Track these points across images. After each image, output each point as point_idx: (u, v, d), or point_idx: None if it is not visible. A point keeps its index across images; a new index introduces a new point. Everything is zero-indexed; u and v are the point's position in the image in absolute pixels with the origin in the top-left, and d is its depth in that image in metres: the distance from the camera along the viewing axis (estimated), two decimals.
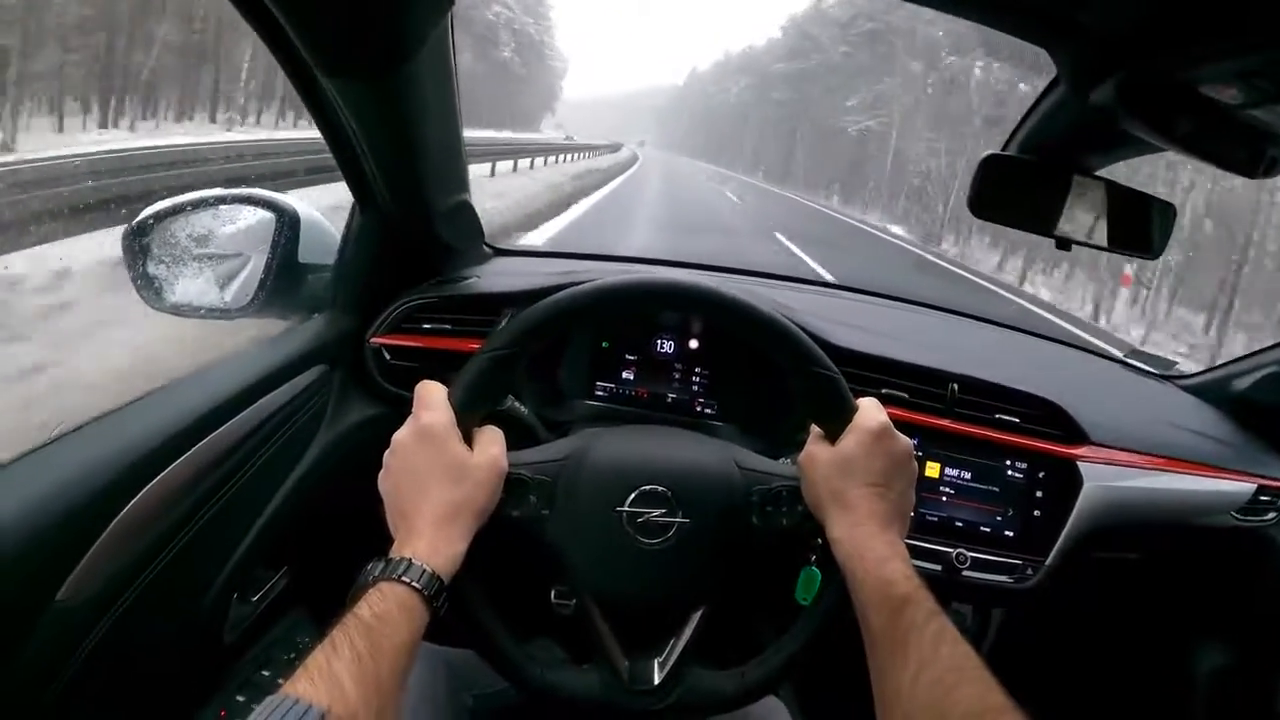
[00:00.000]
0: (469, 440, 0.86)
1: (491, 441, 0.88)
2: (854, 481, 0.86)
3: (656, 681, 0.90)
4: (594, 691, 0.91)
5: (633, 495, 0.91)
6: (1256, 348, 1.72)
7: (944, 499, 1.41)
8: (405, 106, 1.10)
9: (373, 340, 1.37)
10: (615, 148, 55.27)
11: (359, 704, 0.62)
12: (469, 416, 0.87)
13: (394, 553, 0.78)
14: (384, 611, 0.71)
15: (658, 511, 0.91)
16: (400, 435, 0.86)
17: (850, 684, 0.78)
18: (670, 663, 0.91)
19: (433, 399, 0.87)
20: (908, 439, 0.90)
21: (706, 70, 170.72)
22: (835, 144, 62.76)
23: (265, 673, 1.33)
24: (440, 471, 0.83)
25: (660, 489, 0.92)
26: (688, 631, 0.93)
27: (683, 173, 53.46)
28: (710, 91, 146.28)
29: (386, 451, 0.86)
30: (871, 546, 0.82)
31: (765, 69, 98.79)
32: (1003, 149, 1.19)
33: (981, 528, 1.40)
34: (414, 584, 0.75)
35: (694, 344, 1.46)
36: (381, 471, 0.86)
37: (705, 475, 0.95)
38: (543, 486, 0.92)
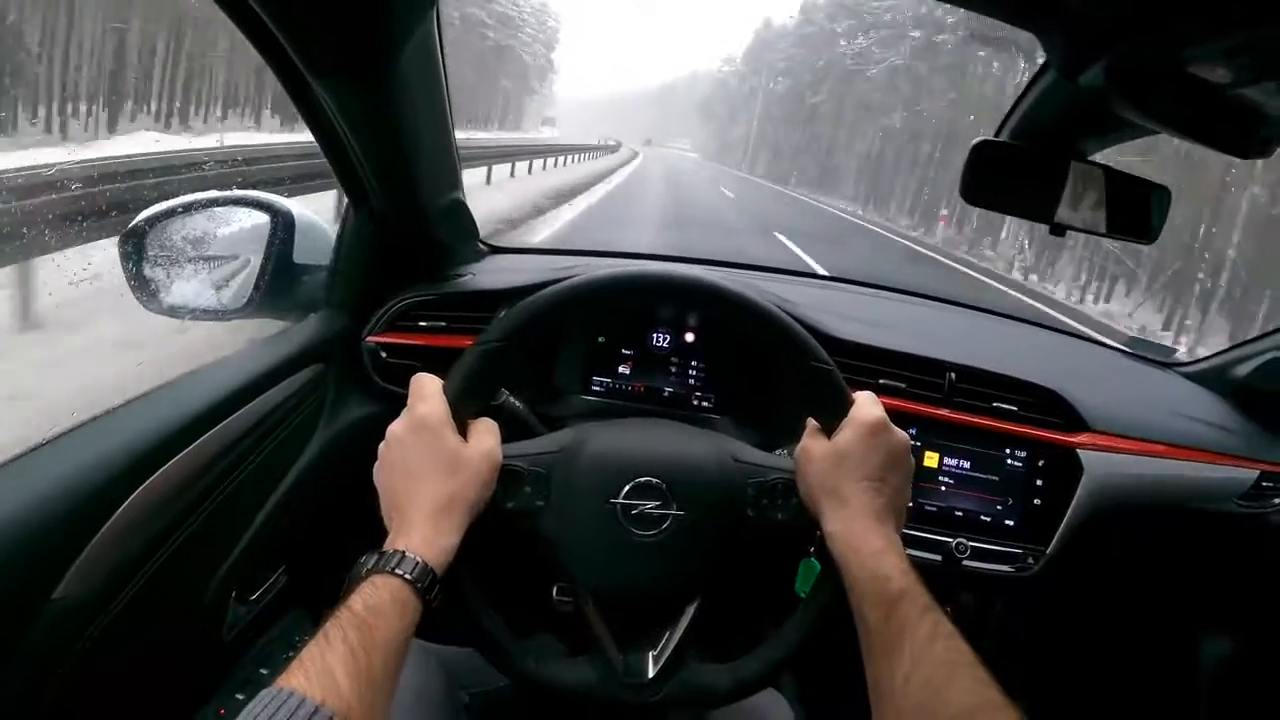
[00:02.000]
0: (464, 433, 0.86)
1: (486, 433, 0.88)
2: (849, 476, 0.86)
3: (651, 675, 0.90)
4: (588, 684, 0.91)
5: (627, 487, 0.91)
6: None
7: (943, 489, 1.40)
8: (394, 105, 1.11)
9: (369, 339, 1.37)
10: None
11: (352, 697, 0.62)
12: (464, 409, 0.87)
13: (387, 545, 0.78)
14: (377, 604, 0.71)
15: (652, 504, 0.90)
16: (395, 427, 0.86)
17: (852, 676, 0.78)
18: (665, 656, 0.91)
19: (427, 391, 0.87)
20: (904, 433, 0.89)
21: (796, 18, 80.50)
22: None
23: (264, 671, 1.34)
24: (434, 463, 0.83)
25: (655, 481, 0.91)
26: (682, 624, 0.93)
27: None
28: (827, 37, 64.36)
29: (381, 444, 0.86)
30: (867, 541, 0.82)
31: None
32: (995, 135, 1.18)
33: (982, 517, 1.39)
34: (406, 576, 0.74)
35: (690, 338, 1.46)
36: (376, 463, 0.86)
37: (700, 468, 0.95)
38: (537, 479, 0.92)
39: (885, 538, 0.82)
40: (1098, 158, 1.18)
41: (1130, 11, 0.77)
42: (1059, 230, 1.18)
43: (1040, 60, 1.02)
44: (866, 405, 0.90)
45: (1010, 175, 1.17)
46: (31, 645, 0.83)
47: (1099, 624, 1.85)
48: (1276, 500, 1.53)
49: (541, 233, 12.82)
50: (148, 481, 0.94)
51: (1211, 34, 0.73)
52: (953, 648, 0.71)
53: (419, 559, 0.76)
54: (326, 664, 0.63)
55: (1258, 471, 1.50)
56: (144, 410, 1.02)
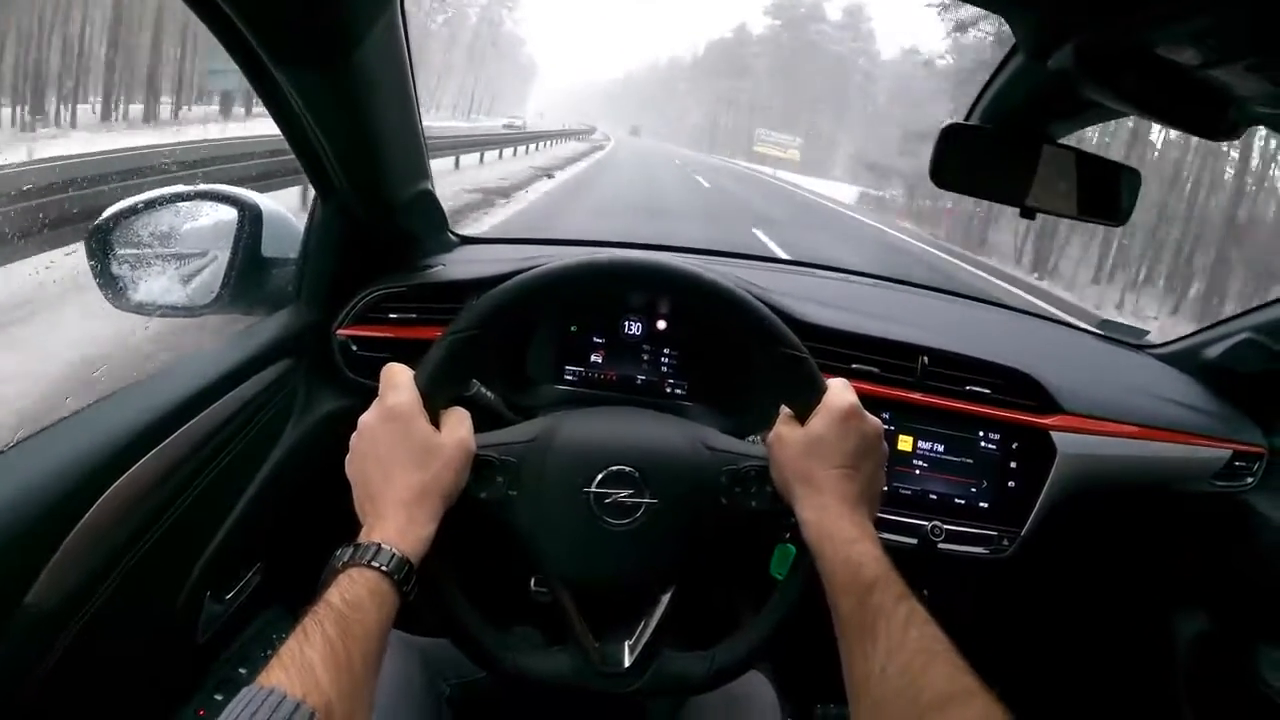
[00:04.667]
0: (436, 422, 0.86)
1: (459, 422, 0.87)
2: (822, 463, 0.86)
3: (627, 664, 0.90)
4: (565, 674, 0.91)
5: (600, 476, 0.91)
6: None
7: (917, 472, 1.41)
8: (358, 94, 1.09)
9: (339, 332, 1.36)
10: None
11: (333, 691, 0.62)
12: (435, 399, 0.86)
13: (362, 537, 0.78)
14: (354, 598, 0.71)
15: (625, 492, 0.90)
16: (366, 417, 0.85)
17: (834, 657, 0.78)
18: (641, 645, 0.91)
19: (398, 380, 0.86)
20: (877, 420, 0.89)
21: None
22: None
23: (243, 670, 1.33)
24: (406, 453, 0.82)
25: (628, 469, 0.91)
26: (658, 613, 0.93)
27: None
28: None
29: (353, 434, 0.85)
30: (840, 527, 0.82)
31: None
32: (965, 119, 1.18)
33: (956, 500, 1.40)
34: (383, 568, 0.74)
35: (662, 325, 1.46)
36: (348, 455, 0.85)
37: (673, 455, 0.95)
38: (510, 468, 0.91)
39: (859, 525, 0.82)
40: (1068, 139, 1.18)
41: None
42: (1029, 213, 1.18)
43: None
44: (839, 392, 0.90)
45: (980, 158, 1.17)
46: (5, 651, 0.82)
47: (1074, 604, 1.87)
48: (1249, 479, 1.55)
49: None
50: (118, 482, 0.93)
51: (1180, 15, 0.73)
52: (928, 635, 0.71)
53: (395, 551, 0.76)
54: (306, 659, 0.63)
55: (1230, 451, 1.52)
56: (113, 409, 1.01)
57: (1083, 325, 2.03)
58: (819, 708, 1.70)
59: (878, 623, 0.73)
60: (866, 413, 0.89)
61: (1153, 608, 1.80)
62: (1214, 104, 0.89)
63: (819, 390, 0.90)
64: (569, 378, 1.46)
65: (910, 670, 0.69)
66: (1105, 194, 1.20)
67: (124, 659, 1.06)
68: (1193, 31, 0.75)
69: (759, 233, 16.10)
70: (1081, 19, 0.82)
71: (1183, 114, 0.92)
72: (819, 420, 0.88)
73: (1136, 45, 0.81)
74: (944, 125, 1.15)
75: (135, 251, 1.28)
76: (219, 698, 1.28)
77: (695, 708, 1.15)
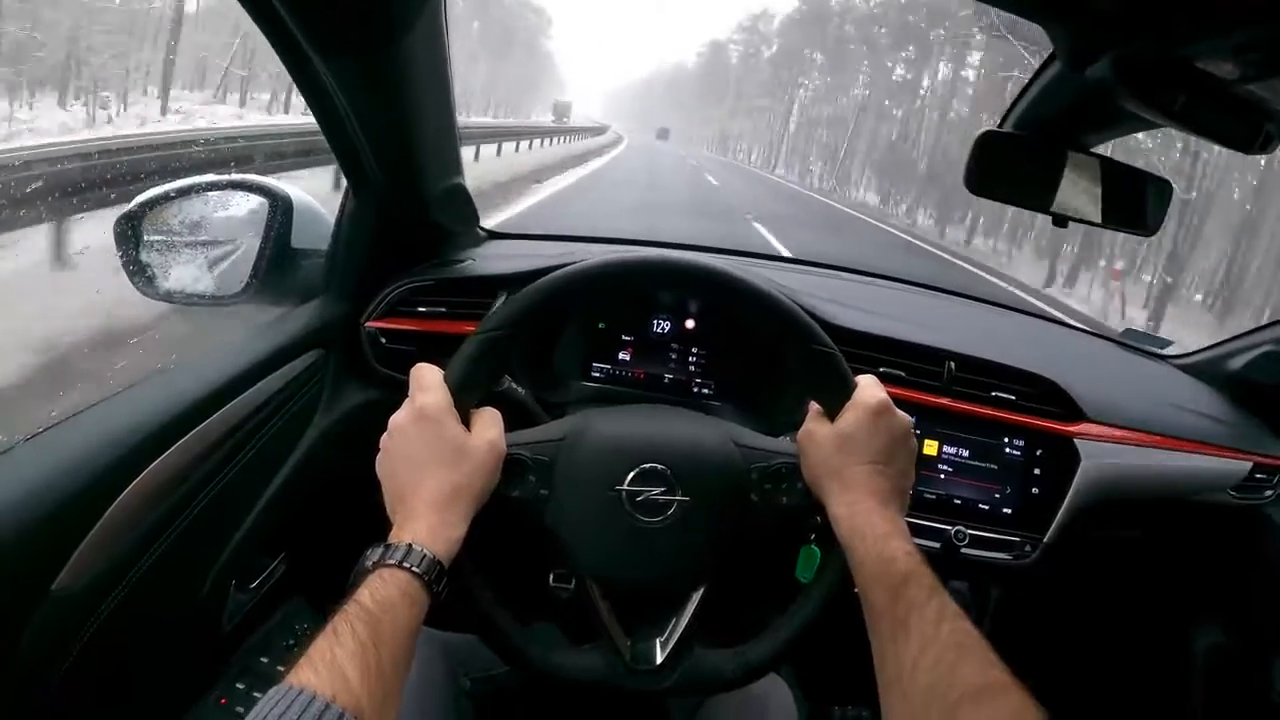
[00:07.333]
0: (466, 422, 0.86)
1: (490, 423, 0.87)
2: (854, 459, 0.86)
3: (659, 661, 0.90)
4: (596, 672, 0.91)
5: (632, 474, 0.91)
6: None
7: (942, 477, 1.41)
8: (398, 87, 1.10)
9: (368, 324, 1.36)
10: None
11: (363, 693, 0.62)
12: (466, 398, 0.86)
13: (393, 537, 0.78)
14: (386, 598, 0.71)
15: (657, 490, 0.90)
16: (397, 418, 0.85)
17: (852, 660, 0.78)
18: (672, 642, 0.91)
19: (429, 381, 0.86)
20: (907, 416, 0.90)
21: None
22: None
23: (264, 659, 1.34)
24: (438, 454, 0.82)
25: (660, 467, 0.91)
26: (689, 611, 0.93)
27: None
28: None
29: (384, 435, 0.85)
30: (872, 523, 0.82)
31: None
32: (999, 126, 1.18)
33: (980, 505, 1.40)
34: (415, 569, 0.74)
35: (690, 324, 1.46)
36: (379, 455, 0.85)
37: (705, 453, 0.95)
38: (541, 467, 0.91)
39: (890, 520, 0.83)
40: (1101, 149, 1.18)
41: (1138, 6, 0.77)
42: (1060, 221, 1.18)
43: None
44: (869, 388, 0.90)
45: (1013, 166, 1.18)
46: (33, 637, 0.83)
47: (1094, 612, 1.87)
48: (1269, 492, 1.55)
49: None
50: (147, 470, 0.94)
51: (1219, 29, 0.73)
52: (960, 629, 0.72)
53: (427, 552, 0.76)
54: (336, 660, 0.63)
55: (1251, 463, 1.51)
56: (141, 398, 1.02)
57: (1106, 333, 2.03)
58: (836, 709, 1.71)
59: (910, 617, 0.73)
60: (896, 409, 0.89)
61: (1171, 618, 1.80)
62: (1249, 117, 0.89)
63: (849, 386, 0.91)
64: (596, 374, 1.46)
65: (943, 664, 0.69)
66: (1134, 204, 1.20)
67: (150, 646, 1.07)
68: (1234, 45, 0.75)
69: None
70: (1121, 31, 0.82)
71: (1218, 127, 0.92)
72: (849, 416, 0.88)
73: (1175, 58, 0.81)
74: (980, 132, 1.15)
75: (165, 239, 1.28)
76: (240, 686, 1.30)
77: (713, 708, 1.15)
